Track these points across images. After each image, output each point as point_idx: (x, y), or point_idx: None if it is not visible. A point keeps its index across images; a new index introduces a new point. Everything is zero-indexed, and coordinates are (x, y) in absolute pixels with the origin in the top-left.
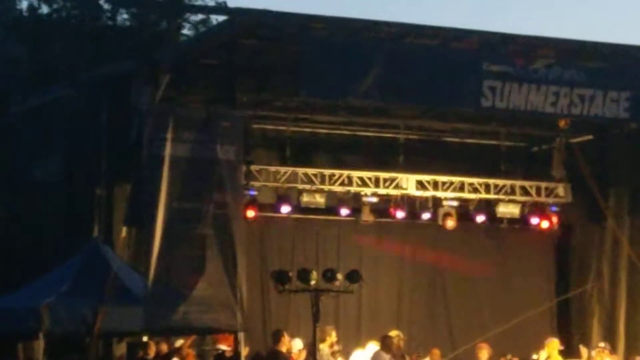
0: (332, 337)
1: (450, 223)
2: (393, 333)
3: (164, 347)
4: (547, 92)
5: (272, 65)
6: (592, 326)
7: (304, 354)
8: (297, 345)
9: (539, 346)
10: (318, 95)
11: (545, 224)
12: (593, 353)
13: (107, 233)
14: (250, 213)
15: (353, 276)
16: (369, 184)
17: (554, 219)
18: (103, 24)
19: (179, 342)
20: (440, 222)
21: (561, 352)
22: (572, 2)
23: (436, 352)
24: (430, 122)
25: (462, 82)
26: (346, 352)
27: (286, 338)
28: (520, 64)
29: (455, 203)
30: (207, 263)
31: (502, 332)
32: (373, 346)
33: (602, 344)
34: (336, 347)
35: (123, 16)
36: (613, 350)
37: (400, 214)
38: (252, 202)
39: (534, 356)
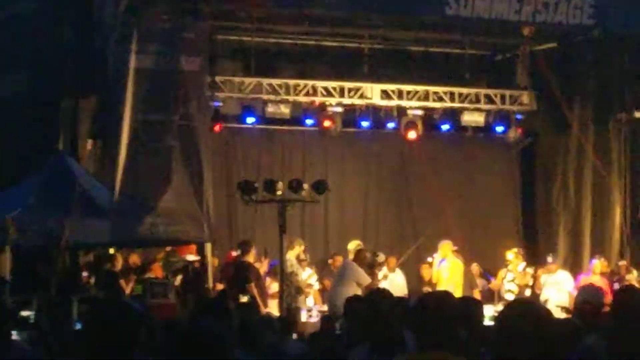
0: (301, 247)
1: (413, 134)
2: (353, 243)
3: (136, 259)
4: None
5: None
6: (558, 233)
7: (266, 264)
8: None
9: (504, 255)
10: (284, 5)
11: (512, 134)
12: (510, 256)
13: (73, 146)
14: (217, 128)
15: (319, 186)
16: (334, 94)
17: (518, 129)
18: None
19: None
20: (402, 133)
21: (526, 261)
22: None
23: (392, 260)
24: (394, 32)
25: None
26: (312, 262)
27: (253, 249)
28: None
29: (420, 112)
30: (173, 175)
31: (468, 240)
32: None
33: (515, 250)
34: (302, 256)
35: None
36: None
37: (365, 124)
38: (218, 117)
39: (429, 259)
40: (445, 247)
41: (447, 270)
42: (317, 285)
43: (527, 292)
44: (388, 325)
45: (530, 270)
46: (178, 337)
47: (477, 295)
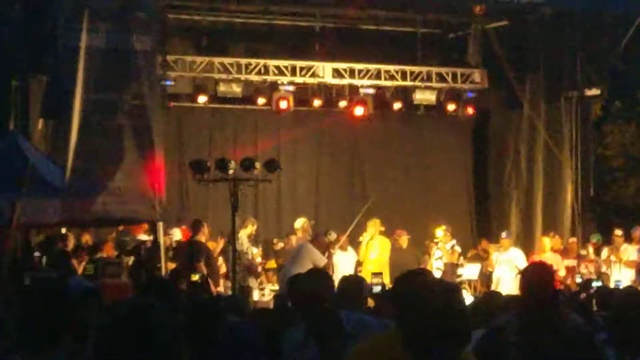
0: (254, 226)
1: (360, 110)
2: (300, 221)
3: (88, 239)
4: None
5: None
6: (510, 211)
7: (222, 243)
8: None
9: (457, 233)
10: None
11: (463, 112)
12: (439, 233)
13: (24, 125)
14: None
15: (271, 165)
16: (286, 73)
17: (470, 108)
18: None
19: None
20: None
21: (479, 238)
22: None
23: (345, 239)
24: (346, 10)
25: None
26: (265, 240)
27: (206, 228)
28: None
29: (371, 91)
30: (125, 154)
31: (420, 218)
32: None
33: (444, 227)
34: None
35: None
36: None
37: (317, 102)
38: (169, 96)
39: (360, 238)
40: (374, 226)
41: (375, 249)
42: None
43: (459, 271)
44: (323, 305)
45: (458, 249)
46: (113, 317)
47: None
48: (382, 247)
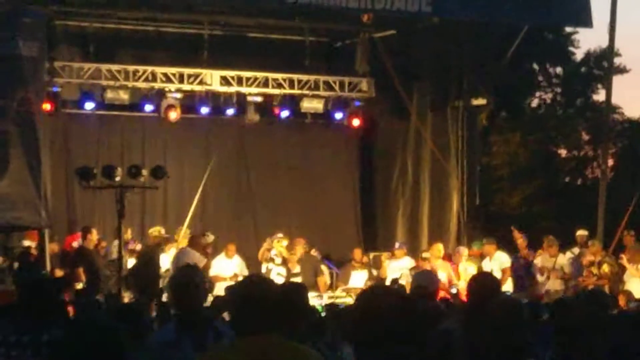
0: (128, 234)
1: (255, 117)
2: (155, 230)
3: None
4: None
5: None
6: (396, 220)
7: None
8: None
9: (343, 241)
10: None
11: (356, 122)
12: (275, 242)
13: None
14: (47, 106)
15: (158, 172)
16: (173, 80)
17: (358, 116)
18: None
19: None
20: (248, 119)
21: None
22: None
23: (231, 246)
24: (234, 18)
25: None
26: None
27: (94, 234)
28: None
29: (259, 98)
30: (11, 161)
31: (307, 227)
32: None
33: (280, 235)
34: (130, 246)
35: None
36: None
37: (204, 110)
38: (53, 98)
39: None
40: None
41: None
42: None
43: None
44: (191, 304)
45: (295, 257)
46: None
47: (322, 283)
48: None
